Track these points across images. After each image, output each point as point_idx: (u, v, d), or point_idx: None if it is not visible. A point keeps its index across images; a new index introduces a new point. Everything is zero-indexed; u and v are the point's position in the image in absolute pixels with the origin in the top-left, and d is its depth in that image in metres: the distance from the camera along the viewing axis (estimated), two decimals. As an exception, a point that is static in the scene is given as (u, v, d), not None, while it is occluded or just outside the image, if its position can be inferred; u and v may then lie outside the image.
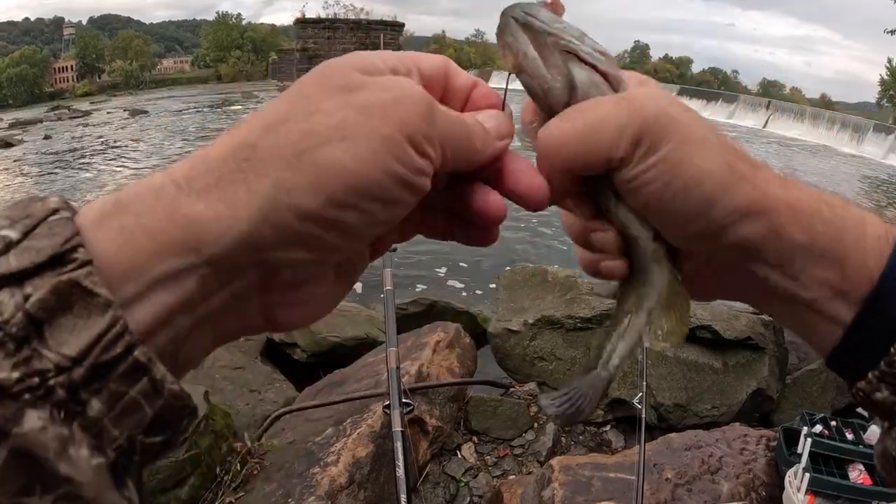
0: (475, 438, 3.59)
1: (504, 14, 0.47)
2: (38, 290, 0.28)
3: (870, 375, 0.44)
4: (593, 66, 0.46)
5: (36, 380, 0.28)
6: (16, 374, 0.27)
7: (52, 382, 0.28)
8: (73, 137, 30.92)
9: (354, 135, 0.35)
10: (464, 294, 9.36)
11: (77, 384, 0.28)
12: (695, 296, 0.52)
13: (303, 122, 0.35)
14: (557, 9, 0.47)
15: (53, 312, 0.29)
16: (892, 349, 0.42)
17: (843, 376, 0.47)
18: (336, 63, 0.39)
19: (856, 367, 0.45)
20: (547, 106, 0.47)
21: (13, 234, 0.30)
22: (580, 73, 0.46)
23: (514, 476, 3.23)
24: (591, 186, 0.47)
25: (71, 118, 42.80)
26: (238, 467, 2.90)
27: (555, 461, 2.55)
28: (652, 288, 0.49)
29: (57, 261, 0.29)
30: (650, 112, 0.43)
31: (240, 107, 45.54)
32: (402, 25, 63.91)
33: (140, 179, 0.35)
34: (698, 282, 0.51)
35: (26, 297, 0.28)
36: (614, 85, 0.47)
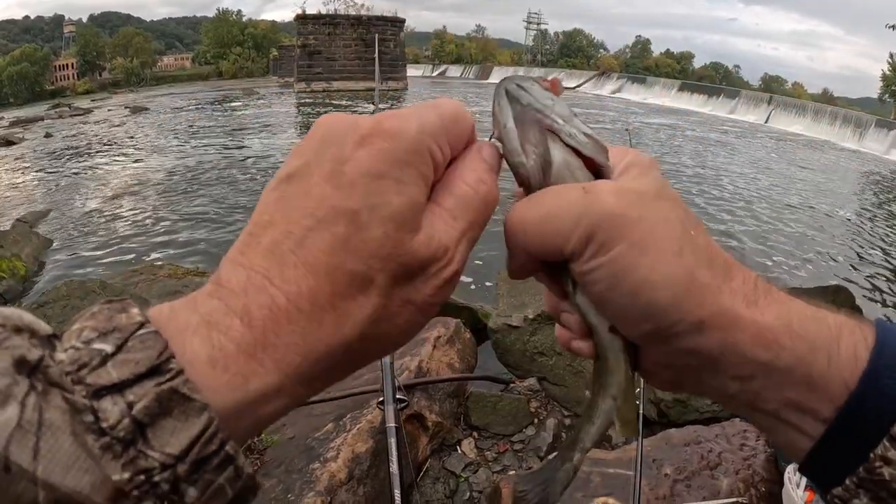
0: (475, 434, 3.59)
1: (500, 83, 0.48)
2: (142, 398, 0.32)
3: (847, 482, 0.43)
4: (575, 150, 0.46)
5: (142, 477, 0.31)
6: (126, 475, 0.31)
7: (157, 479, 0.32)
8: (73, 135, 30.90)
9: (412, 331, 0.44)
10: (472, 287, 9.35)
11: (179, 478, 0.33)
12: (658, 387, 0.53)
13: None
14: (555, 88, 0.48)
15: (156, 417, 0.33)
16: (871, 455, 0.41)
17: (817, 482, 0.46)
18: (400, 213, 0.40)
19: (830, 474, 0.44)
20: (520, 181, 0.48)
21: (107, 348, 0.33)
22: (557, 155, 0.46)
23: (513, 472, 3.23)
24: (555, 269, 0.48)
25: (72, 116, 42.73)
26: (238, 464, 2.89)
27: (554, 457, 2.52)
28: (612, 376, 0.50)
29: (154, 371, 0.33)
30: (608, 209, 0.43)
31: (239, 103, 45.52)
32: (403, 21, 63.82)
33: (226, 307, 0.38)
34: (658, 377, 0.51)
35: (129, 405, 0.32)
36: (602, 171, 0.47)
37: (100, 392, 0.32)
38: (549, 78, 0.48)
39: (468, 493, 3.14)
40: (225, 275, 0.39)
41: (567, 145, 0.46)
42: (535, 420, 3.80)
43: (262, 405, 0.38)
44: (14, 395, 0.30)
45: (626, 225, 0.43)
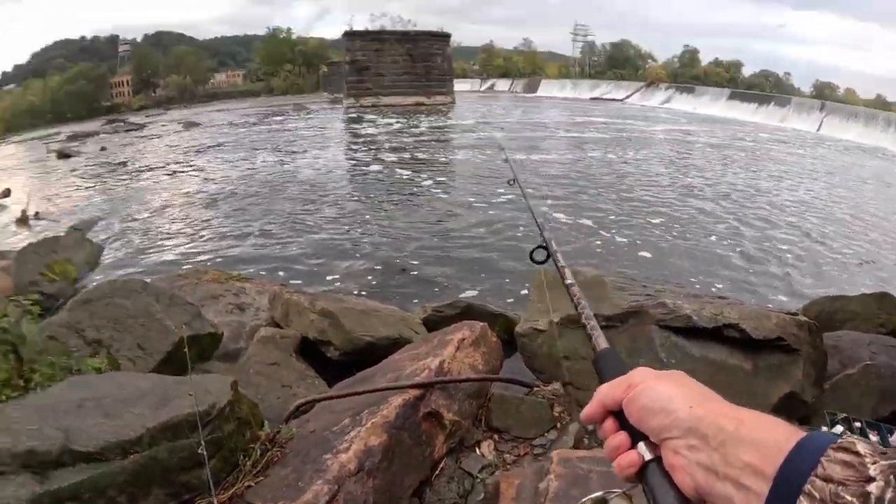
0: (496, 436, 3.57)
1: None
2: None
3: None
4: None
5: None
6: None
7: None
8: (127, 149, 31.83)
9: None
10: (510, 299, 9.32)
11: None
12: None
13: None
14: None
15: None
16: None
17: None
18: None
19: None
20: None
21: None
22: None
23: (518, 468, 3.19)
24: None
25: (126, 130, 44.08)
26: (258, 454, 2.93)
27: (555, 453, 2.50)
28: None
29: None
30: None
31: (290, 118, 46.31)
32: (449, 36, 64.21)
33: None
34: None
35: None
36: None
37: None
38: None
39: (483, 495, 3.12)
40: None
41: None
42: (558, 424, 3.74)
43: None
44: None
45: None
